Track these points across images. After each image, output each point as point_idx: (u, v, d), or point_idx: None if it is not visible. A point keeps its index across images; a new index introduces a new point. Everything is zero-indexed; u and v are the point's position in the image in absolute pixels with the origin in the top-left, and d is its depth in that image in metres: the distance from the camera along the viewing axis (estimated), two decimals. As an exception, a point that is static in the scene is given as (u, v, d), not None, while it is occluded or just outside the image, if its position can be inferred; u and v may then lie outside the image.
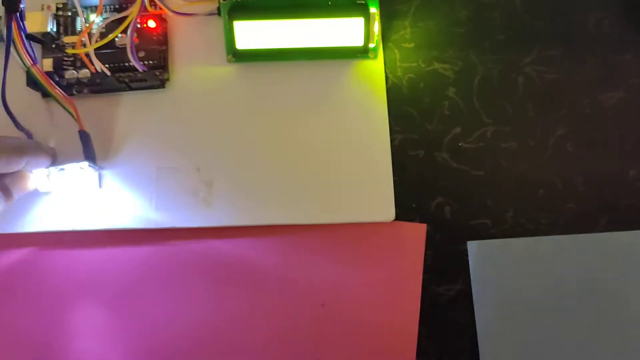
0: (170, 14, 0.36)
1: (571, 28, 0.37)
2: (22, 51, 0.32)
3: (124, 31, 0.35)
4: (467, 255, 0.35)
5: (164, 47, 0.37)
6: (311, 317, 0.34)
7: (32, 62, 0.33)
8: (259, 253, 0.35)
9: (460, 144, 0.36)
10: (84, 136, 0.34)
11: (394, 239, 0.35)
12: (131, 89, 0.36)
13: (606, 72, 0.37)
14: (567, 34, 0.37)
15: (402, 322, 0.34)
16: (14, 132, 0.35)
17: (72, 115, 0.34)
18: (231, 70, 0.37)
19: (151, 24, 0.36)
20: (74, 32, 0.37)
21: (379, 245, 0.35)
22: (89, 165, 0.34)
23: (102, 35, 0.35)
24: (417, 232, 0.35)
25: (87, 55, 0.34)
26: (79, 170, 0.34)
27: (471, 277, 0.35)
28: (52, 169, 0.34)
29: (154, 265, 0.36)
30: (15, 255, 0.36)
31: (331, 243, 0.35)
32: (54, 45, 0.36)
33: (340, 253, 0.35)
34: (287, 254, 0.35)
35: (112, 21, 0.35)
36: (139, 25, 0.36)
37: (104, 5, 0.36)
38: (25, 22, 0.33)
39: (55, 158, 0.34)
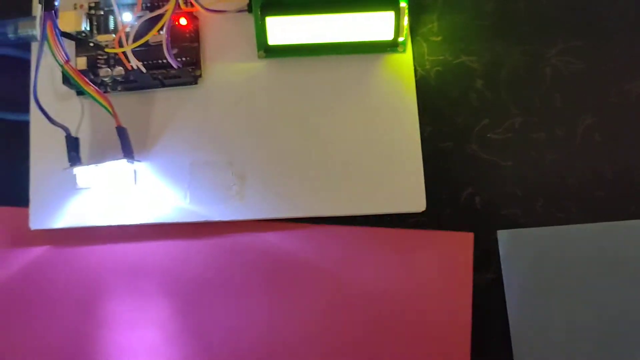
0: (202, 11, 0.36)
1: (596, 18, 0.38)
2: (55, 49, 0.33)
3: (159, 29, 0.35)
4: (497, 244, 0.36)
5: (196, 44, 0.37)
6: (353, 311, 0.35)
7: (65, 60, 0.34)
8: (293, 245, 0.36)
9: (488, 135, 0.37)
10: (122, 132, 0.35)
11: (441, 249, 0.36)
12: (164, 85, 0.37)
13: (633, 61, 0.37)
14: (592, 24, 0.38)
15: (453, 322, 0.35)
16: (47, 130, 0.35)
17: (109, 112, 0.35)
18: (262, 65, 0.37)
19: (183, 21, 0.37)
20: (106, 31, 0.37)
21: (426, 253, 0.35)
22: (127, 161, 0.35)
23: (136, 34, 0.36)
24: (464, 241, 0.36)
25: (124, 53, 0.35)
26: (116, 166, 0.35)
27: (502, 265, 0.35)
28: (92, 165, 0.34)
29: (191, 258, 0.36)
30: (53, 250, 0.37)
31: (371, 241, 0.36)
32: (91, 44, 0.36)
33: (381, 255, 0.36)
34: (323, 246, 0.36)
35: (146, 20, 0.36)
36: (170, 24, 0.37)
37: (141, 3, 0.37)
38: (58, 21, 0.34)
39: None
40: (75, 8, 0.37)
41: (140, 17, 0.36)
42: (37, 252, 0.37)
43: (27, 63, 0.38)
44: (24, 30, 0.36)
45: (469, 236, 0.36)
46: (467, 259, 0.35)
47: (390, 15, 0.34)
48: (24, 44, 0.38)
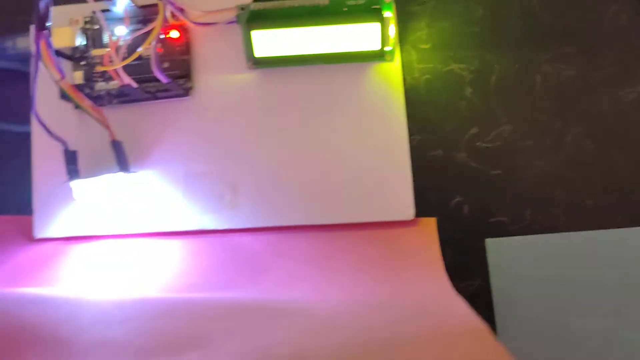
0: (190, 25, 0.37)
1: (588, 24, 0.37)
2: (50, 67, 0.34)
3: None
4: (485, 252, 0.36)
5: (187, 57, 0.38)
6: (335, 319, 0.36)
7: (60, 77, 0.35)
8: (279, 249, 0.37)
9: (477, 144, 0.37)
10: (117, 145, 0.36)
11: (409, 235, 0.36)
12: (157, 98, 0.38)
13: (624, 68, 0.36)
14: (584, 30, 0.37)
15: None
16: (49, 141, 0.36)
17: (103, 126, 0.36)
18: (252, 76, 0.38)
19: (174, 34, 0.38)
20: (101, 45, 0.38)
21: (395, 243, 0.36)
22: (123, 173, 0.36)
23: (129, 48, 0.37)
24: (428, 225, 0.36)
25: (115, 69, 0.36)
26: (113, 178, 0.36)
27: (490, 273, 0.36)
28: (89, 178, 0.36)
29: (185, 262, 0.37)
30: (56, 259, 0.38)
31: (347, 244, 0.36)
32: (82, 62, 0.37)
33: (358, 253, 0.36)
34: (307, 251, 0.36)
35: (138, 34, 0.37)
36: (162, 37, 0.38)
37: (129, 18, 0.37)
38: (52, 39, 0.35)
39: None
40: (70, 24, 0.38)
41: (133, 30, 0.37)
42: (40, 259, 0.38)
43: (29, 76, 0.40)
44: (21, 46, 0.38)
45: (432, 220, 0.35)
46: (433, 239, 0.35)
47: (375, 26, 0.35)
48: (25, 58, 0.40)
